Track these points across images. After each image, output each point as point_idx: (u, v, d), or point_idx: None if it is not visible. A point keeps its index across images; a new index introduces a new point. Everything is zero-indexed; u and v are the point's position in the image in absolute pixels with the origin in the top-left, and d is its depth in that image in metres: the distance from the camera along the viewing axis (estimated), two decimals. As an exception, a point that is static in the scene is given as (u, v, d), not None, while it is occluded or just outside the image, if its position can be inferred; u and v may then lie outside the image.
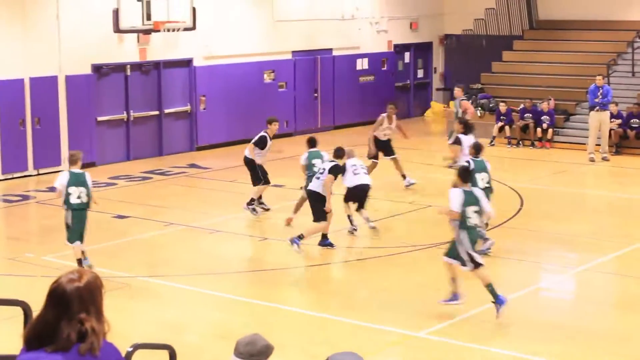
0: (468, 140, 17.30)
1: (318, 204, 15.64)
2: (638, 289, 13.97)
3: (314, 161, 17.00)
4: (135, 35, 23.97)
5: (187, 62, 25.94)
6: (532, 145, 26.72)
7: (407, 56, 33.32)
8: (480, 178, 15.05)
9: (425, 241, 16.29)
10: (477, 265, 12.33)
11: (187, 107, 26.04)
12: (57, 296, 4.25)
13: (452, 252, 12.54)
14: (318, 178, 15.69)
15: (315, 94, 29.60)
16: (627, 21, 29.93)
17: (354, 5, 30.53)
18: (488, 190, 15.00)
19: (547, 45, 30.73)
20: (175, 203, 19.82)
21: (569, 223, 17.97)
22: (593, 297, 13.90)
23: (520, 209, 18.98)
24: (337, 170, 15.69)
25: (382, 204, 19.37)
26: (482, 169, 15.29)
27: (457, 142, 17.62)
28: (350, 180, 16.54)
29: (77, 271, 4.35)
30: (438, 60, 34.39)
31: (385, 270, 14.90)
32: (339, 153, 16.00)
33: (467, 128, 18.12)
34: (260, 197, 18.45)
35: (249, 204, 18.27)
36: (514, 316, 12.69)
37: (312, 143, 17.47)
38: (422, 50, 33.90)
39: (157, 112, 25.37)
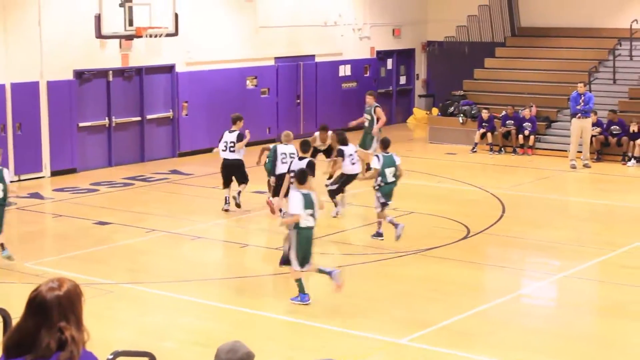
0: (349, 149, 18.25)
1: None
2: (619, 295, 14.01)
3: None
4: (117, 41, 23.92)
5: (170, 68, 25.90)
6: (514, 152, 26.81)
7: (389, 63, 33.39)
8: (389, 172, 16.46)
9: (407, 248, 16.29)
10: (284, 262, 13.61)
11: (170, 113, 26.00)
12: (37, 304, 4.24)
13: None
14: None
15: (298, 100, 29.61)
16: (608, 29, 30.08)
17: (336, 11, 30.59)
18: (393, 184, 16.62)
19: (529, 52, 30.85)
20: (157, 209, 19.77)
21: (550, 230, 18.02)
22: (575, 303, 13.93)
23: (502, 216, 19.02)
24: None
25: (363, 211, 19.38)
26: (391, 163, 16.51)
27: (340, 154, 18.34)
28: (278, 168, 17.41)
29: (57, 280, 4.34)
30: (420, 66, 34.48)
31: (367, 276, 14.90)
32: (305, 147, 15.69)
33: (342, 140, 18.59)
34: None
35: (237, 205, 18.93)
36: (496, 323, 12.73)
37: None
38: (405, 56, 33.98)
39: (139, 118, 25.32)
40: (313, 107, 29.98)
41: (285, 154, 17.49)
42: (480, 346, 11.76)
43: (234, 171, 19.05)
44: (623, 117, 26.05)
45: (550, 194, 21.55)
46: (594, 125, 25.36)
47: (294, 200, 12.94)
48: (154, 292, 13.93)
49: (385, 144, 16.76)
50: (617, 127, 25.70)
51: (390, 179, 16.48)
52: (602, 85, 28.15)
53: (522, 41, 31.63)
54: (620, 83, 28.09)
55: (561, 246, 16.81)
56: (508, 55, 31.23)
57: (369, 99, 21.69)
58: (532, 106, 27.31)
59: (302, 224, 12.93)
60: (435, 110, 31.00)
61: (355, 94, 31.19)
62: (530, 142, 26.71)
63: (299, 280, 13.20)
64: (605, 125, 25.87)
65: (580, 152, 24.78)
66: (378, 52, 32.62)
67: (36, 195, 20.95)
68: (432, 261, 15.64)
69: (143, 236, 17.33)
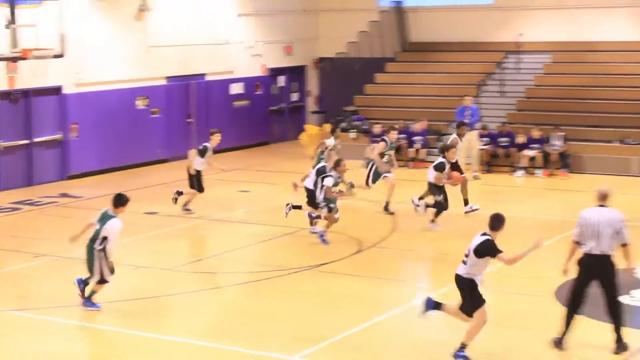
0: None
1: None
2: (508, 305, 14.20)
3: None
4: (2, 63, 23.45)
5: (57, 90, 25.46)
6: (406, 165, 27.06)
7: (281, 80, 33.43)
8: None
9: (300, 264, 16.29)
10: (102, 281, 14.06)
11: (59, 136, 25.55)
12: None
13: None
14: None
15: (189, 120, 29.42)
16: (496, 42, 30.70)
17: (227, 29, 30.50)
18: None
19: (420, 67, 31.25)
20: (45, 234, 19.37)
21: (442, 241, 18.21)
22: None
23: (393, 229, 19.15)
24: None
25: (256, 228, 19.36)
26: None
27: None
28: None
29: None
30: (312, 83, 34.60)
31: (261, 294, 14.84)
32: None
33: None
34: (187, 203, 20.70)
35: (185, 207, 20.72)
36: (387, 338, 12.77)
37: None
38: (297, 73, 34.08)
39: (27, 141, 24.81)
40: (205, 126, 29.77)
41: None
42: (372, 359, 11.80)
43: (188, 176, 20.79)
44: (512, 128, 26.54)
45: (441, 206, 21.75)
46: (482, 137, 25.77)
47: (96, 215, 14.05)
48: (44, 319, 13.63)
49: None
50: (506, 139, 26.17)
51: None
52: (491, 97, 28.70)
53: (413, 56, 32.03)
54: (508, 95, 28.65)
55: (452, 257, 16.95)
56: (399, 70, 31.58)
57: (393, 135, 21.48)
58: (422, 120, 27.62)
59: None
60: (327, 126, 31.10)
61: (247, 112, 31.20)
62: (421, 156, 27.02)
63: (91, 291, 14.09)
64: (494, 137, 26.32)
65: (469, 164, 25.15)
66: (270, 70, 32.65)
67: None
68: (323, 276, 15.66)
69: (31, 261, 16.97)
